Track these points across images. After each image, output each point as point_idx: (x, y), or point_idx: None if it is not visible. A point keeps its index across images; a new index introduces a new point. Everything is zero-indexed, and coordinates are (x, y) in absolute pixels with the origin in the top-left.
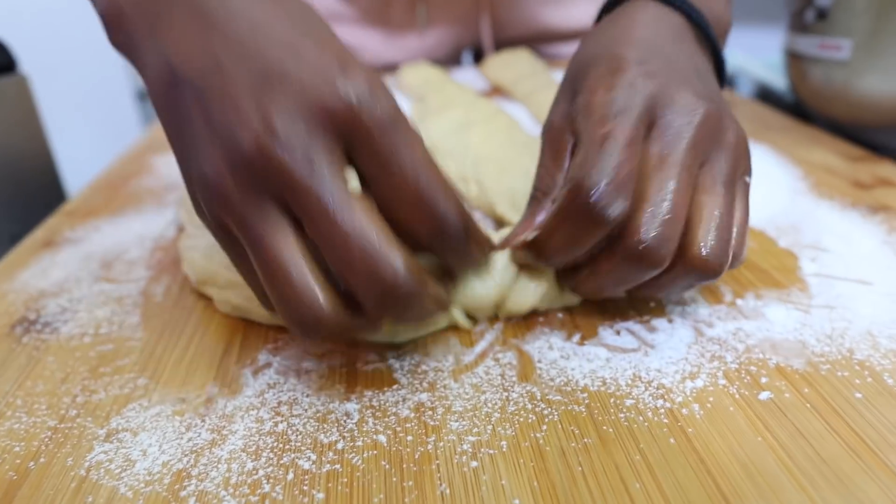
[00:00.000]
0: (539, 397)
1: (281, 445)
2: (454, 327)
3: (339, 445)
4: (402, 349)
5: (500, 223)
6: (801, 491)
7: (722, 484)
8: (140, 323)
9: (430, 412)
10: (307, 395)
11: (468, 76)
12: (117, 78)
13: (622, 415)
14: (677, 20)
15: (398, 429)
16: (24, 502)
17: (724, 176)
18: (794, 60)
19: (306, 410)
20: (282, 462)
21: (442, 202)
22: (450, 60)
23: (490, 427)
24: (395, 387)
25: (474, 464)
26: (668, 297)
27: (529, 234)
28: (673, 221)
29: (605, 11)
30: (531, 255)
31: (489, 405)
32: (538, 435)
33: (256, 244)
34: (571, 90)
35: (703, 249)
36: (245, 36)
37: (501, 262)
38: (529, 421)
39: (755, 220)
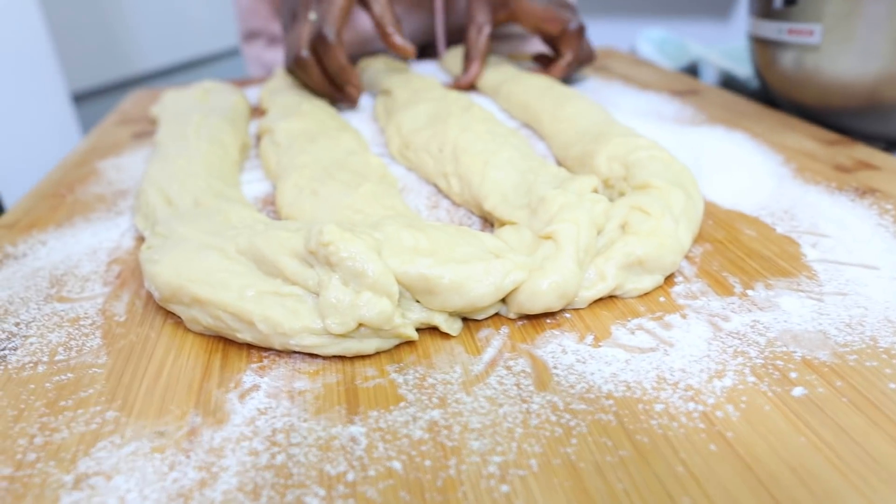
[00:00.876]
0: (562, 407)
1: (282, 481)
2: (458, 335)
3: (350, 477)
4: (402, 362)
5: (485, 220)
6: (859, 494)
7: (775, 492)
8: (102, 346)
9: (446, 431)
10: (305, 420)
11: (428, 70)
12: (52, 80)
13: (654, 421)
14: None
15: (413, 453)
16: None
17: None
18: (761, 46)
19: (306, 438)
20: (286, 501)
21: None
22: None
23: (515, 444)
24: (401, 404)
25: (505, 488)
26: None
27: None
28: None
29: None
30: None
31: (510, 419)
32: (568, 450)
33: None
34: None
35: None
36: None
37: (499, 265)
38: (556, 435)
39: (747, 206)
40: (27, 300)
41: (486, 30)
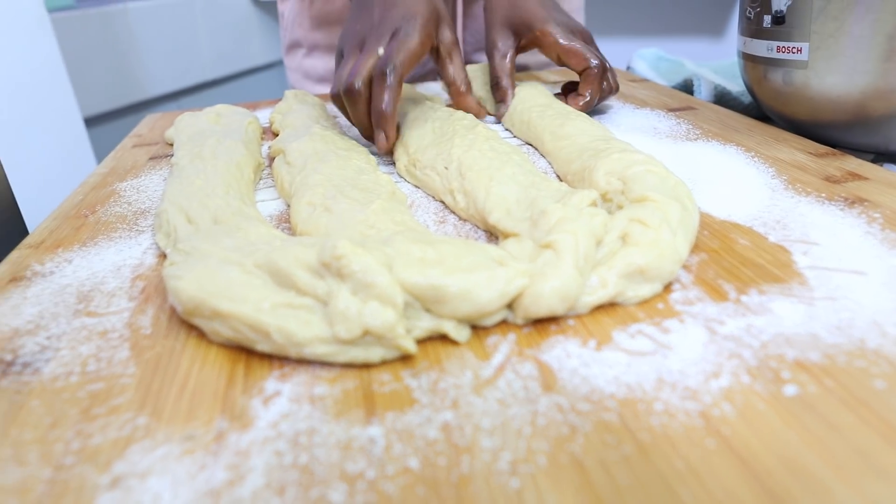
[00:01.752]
0: (567, 408)
1: (307, 479)
2: (468, 342)
3: (370, 474)
4: (416, 368)
5: (490, 234)
6: (849, 486)
7: (770, 485)
8: (130, 357)
9: (459, 431)
10: (326, 423)
11: (433, 89)
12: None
13: (655, 420)
14: None
15: (428, 451)
16: None
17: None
18: (751, 63)
19: (327, 439)
20: (310, 497)
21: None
22: (414, 75)
23: (524, 443)
24: (416, 406)
25: (515, 483)
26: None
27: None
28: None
29: None
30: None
31: (518, 420)
32: (574, 448)
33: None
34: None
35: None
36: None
37: (503, 273)
38: (563, 433)
39: (741, 217)
40: (57, 315)
41: (511, 54)
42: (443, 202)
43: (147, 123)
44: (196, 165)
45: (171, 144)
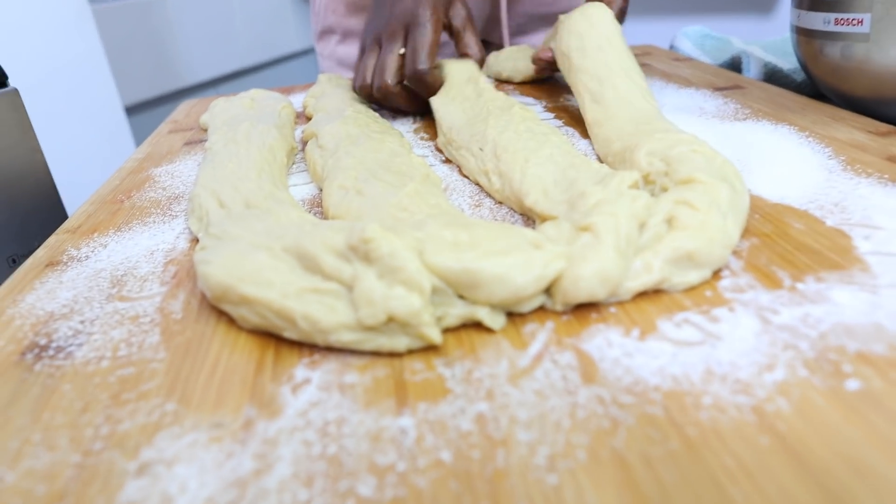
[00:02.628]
0: (609, 400)
1: (335, 470)
2: (504, 330)
3: (400, 467)
4: (449, 356)
5: (527, 219)
6: None
7: (830, 484)
8: (160, 342)
9: (494, 423)
10: (356, 412)
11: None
12: (108, 92)
13: (703, 414)
14: None
15: (461, 444)
16: None
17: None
18: (805, 38)
19: (357, 429)
20: (338, 489)
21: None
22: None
23: (562, 436)
24: (449, 397)
25: (553, 479)
26: None
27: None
28: None
29: None
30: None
31: (557, 412)
32: (616, 442)
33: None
34: None
35: None
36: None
37: (540, 256)
38: (604, 427)
39: (795, 200)
40: (90, 299)
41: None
42: (478, 183)
43: (183, 109)
44: (229, 150)
45: (206, 130)
